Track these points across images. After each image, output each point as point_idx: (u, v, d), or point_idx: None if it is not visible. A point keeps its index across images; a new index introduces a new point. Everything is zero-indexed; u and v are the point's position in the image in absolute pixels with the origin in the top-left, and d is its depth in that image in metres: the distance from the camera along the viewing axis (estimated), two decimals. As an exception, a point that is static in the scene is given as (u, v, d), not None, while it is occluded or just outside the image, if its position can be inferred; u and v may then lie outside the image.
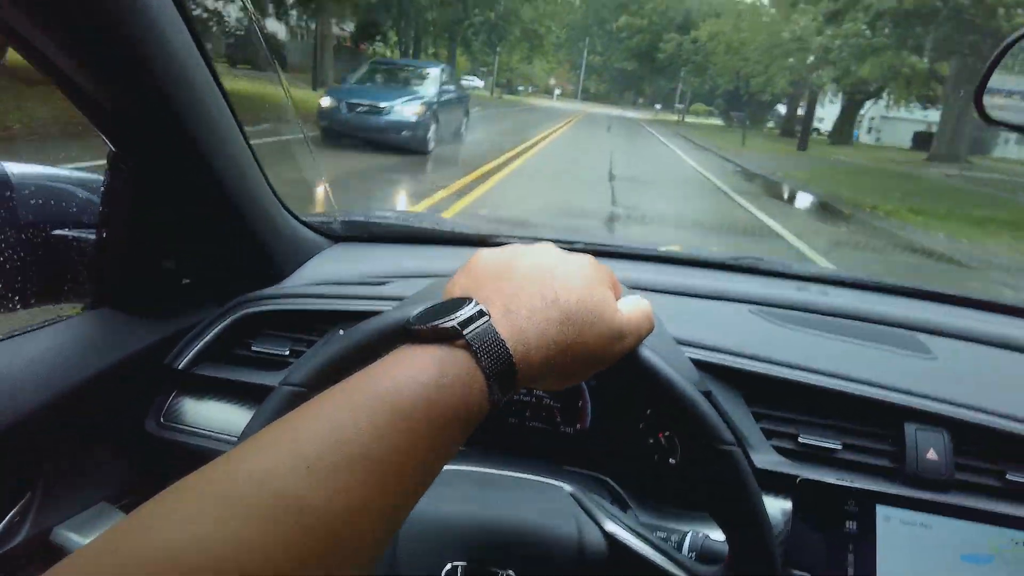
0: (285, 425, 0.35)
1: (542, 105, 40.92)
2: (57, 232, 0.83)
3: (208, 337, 0.84)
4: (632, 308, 0.49)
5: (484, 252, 0.49)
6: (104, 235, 0.79)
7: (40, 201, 0.83)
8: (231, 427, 0.80)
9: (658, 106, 55.68)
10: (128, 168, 0.77)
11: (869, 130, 33.90)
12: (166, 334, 0.83)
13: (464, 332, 0.39)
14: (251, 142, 0.84)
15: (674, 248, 1.16)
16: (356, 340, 0.58)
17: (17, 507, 0.68)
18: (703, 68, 35.27)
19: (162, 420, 0.82)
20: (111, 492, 0.78)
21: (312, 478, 0.31)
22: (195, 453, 0.79)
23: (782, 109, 34.11)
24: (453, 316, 0.40)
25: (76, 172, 0.92)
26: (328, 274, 0.96)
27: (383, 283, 0.88)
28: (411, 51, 26.51)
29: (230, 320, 0.85)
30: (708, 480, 0.53)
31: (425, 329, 0.40)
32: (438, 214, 5.04)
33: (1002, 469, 0.71)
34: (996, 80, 0.70)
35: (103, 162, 0.78)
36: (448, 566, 0.58)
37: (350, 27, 24.43)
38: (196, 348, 0.83)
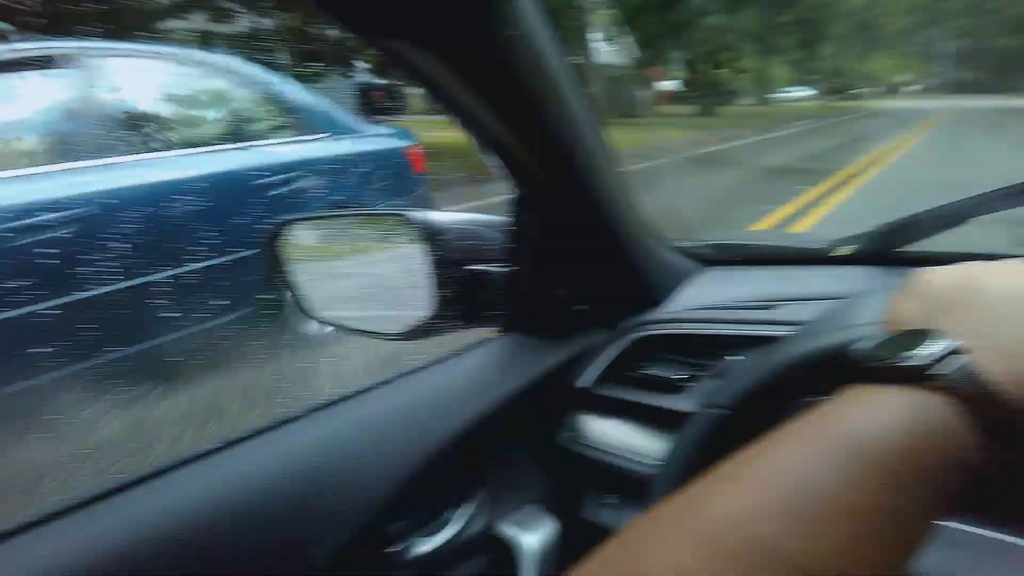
0: (746, 464, 0.34)
1: (886, 108, 33.85)
2: (473, 267, 0.98)
3: (605, 359, 0.89)
4: None
5: (936, 271, 0.42)
6: (514, 268, 0.90)
7: (460, 242, 0.99)
8: (635, 446, 0.84)
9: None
10: (532, 207, 0.86)
11: None
12: (568, 356, 0.90)
13: (935, 371, 0.34)
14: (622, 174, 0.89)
15: None
16: (782, 364, 0.55)
17: (472, 503, 0.80)
18: None
19: (573, 435, 0.89)
20: (537, 496, 0.87)
21: (794, 527, 0.30)
22: (604, 468, 0.85)
23: None
24: (916, 353, 0.35)
25: (481, 216, 1.08)
26: (704, 298, 0.95)
27: (771, 306, 0.84)
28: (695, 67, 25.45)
29: (623, 343, 0.89)
30: None
31: (888, 367, 0.35)
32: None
33: None
34: None
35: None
36: None
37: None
38: (596, 369, 0.88)
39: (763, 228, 5.90)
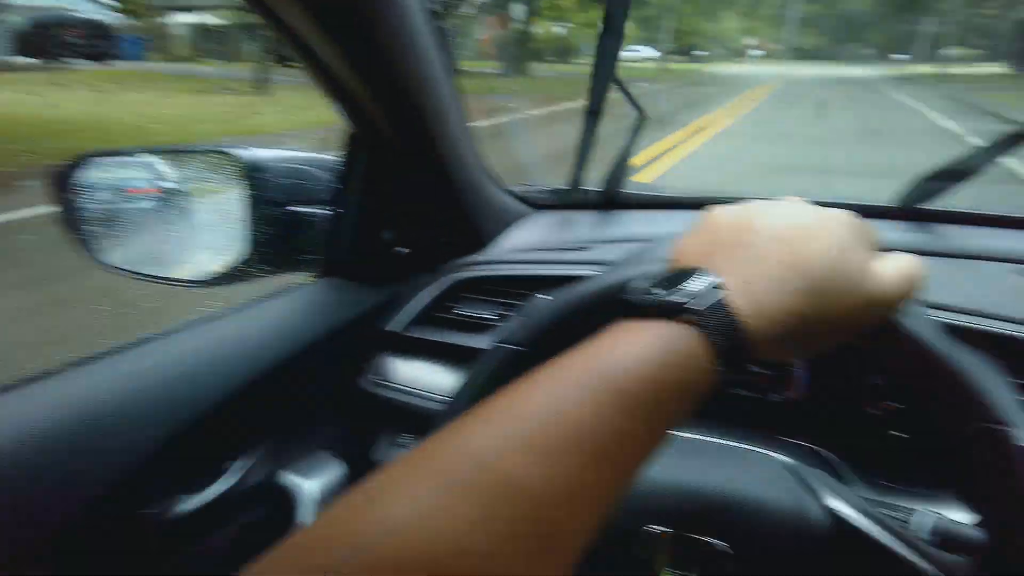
0: (505, 401, 0.35)
1: (722, 73, 32.33)
2: (297, 208, 0.95)
3: (420, 302, 0.89)
4: (896, 271, 0.43)
5: (718, 212, 0.45)
6: (338, 210, 0.88)
7: (285, 180, 0.95)
8: (437, 385, 0.85)
9: (903, 56, 40.59)
10: (364, 148, 0.84)
11: None
12: (384, 300, 0.90)
13: (693, 308, 0.37)
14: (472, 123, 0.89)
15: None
16: (574, 302, 0.58)
17: (252, 452, 0.77)
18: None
19: (376, 379, 0.88)
20: (330, 442, 0.86)
21: (531, 458, 0.31)
22: (403, 409, 0.85)
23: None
24: (681, 289, 0.38)
25: (308, 154, 1.03)
26: (530, 241, 0.98)
27: (585, 248, 0.88)
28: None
29: (439, 286, 0.89)
30: (963, 460, 0.46)
31: (650, 303, 0.38)
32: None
33: None
34: None
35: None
36: (650, 529, 0.57)
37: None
38: (409, 312, 0.88)
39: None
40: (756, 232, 0.41)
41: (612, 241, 0.89)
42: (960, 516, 0.54)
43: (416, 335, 0.89)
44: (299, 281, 0.92)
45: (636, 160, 1.08)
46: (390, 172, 0.87)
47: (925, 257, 0.82)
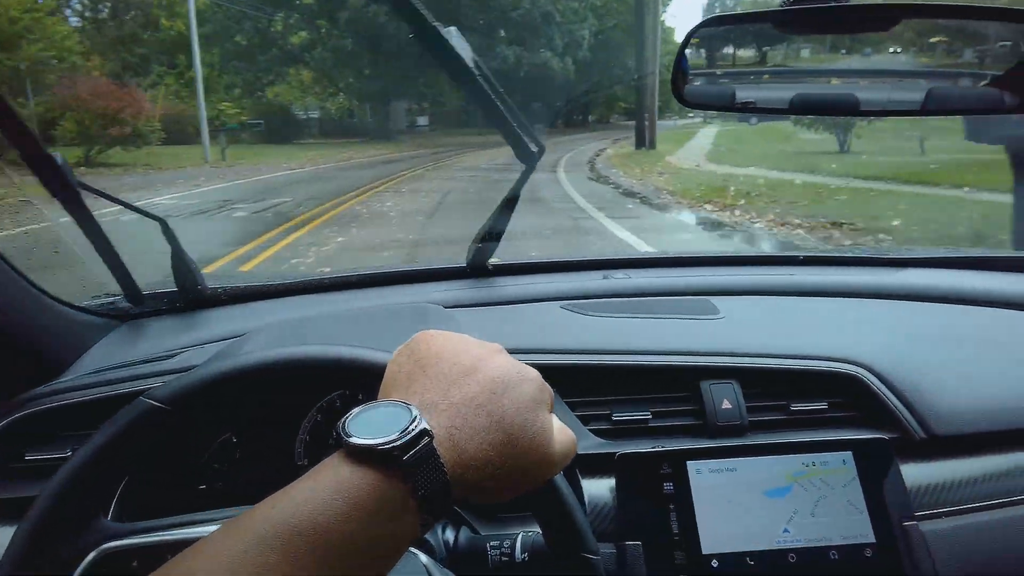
0: (185, 559, 0.32)
1: None
2: None
3: None
4: (564, 438, 0.45)
5: (434, 338, 0.45)
6: None
7: None
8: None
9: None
10: None
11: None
12: None
13: (405, 458, 0.36)
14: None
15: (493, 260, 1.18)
16: (228, 371, 0.56)
17: None
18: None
19: None
20: None
21: None
22: None
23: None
24: (394, 436, 0.36)
25: None
26: (117, 357, 0.88)
27: (170, 356, 0.83)
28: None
29: None
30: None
31: (362, 446, 0.36)
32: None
33: (786, 403, 0.79)
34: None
35: None
36: None
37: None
38: None
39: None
40: (470, 374, 0.42)
41: (200, 344, 0.86)
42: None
43: None
44: None
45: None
46: None
47: (487, 307, 0.99)
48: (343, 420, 0.38)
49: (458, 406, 0.40)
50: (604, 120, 31.86)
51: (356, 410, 0.39)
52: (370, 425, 0.37)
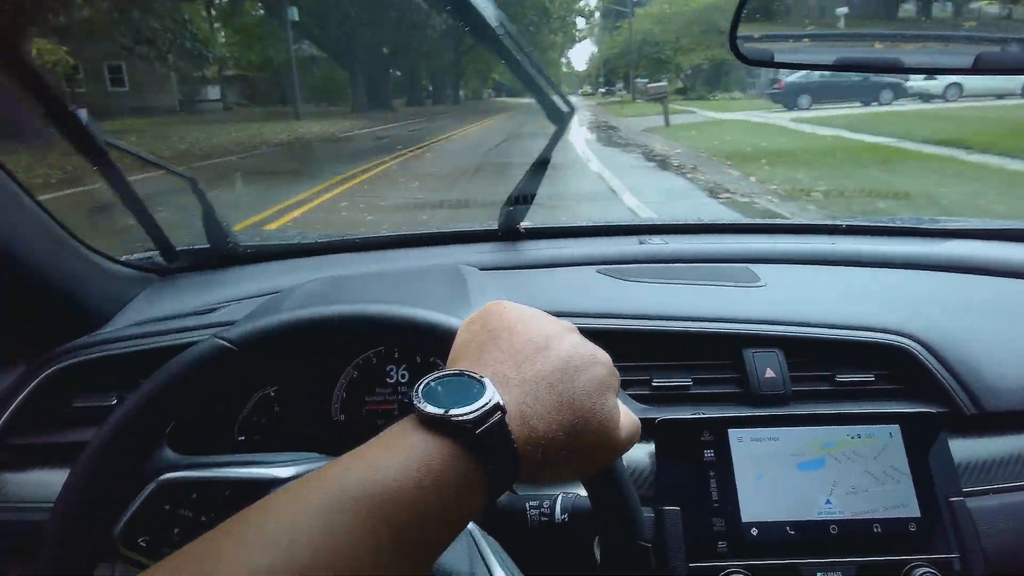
0: (245, 521, 0.31)
1: None
2: None
3: (16, 402, 0.74)
4: (629, 423, 0.44)
5: (508, 310, 0.44)
6: None
7: None
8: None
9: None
10: None
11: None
12: None
13: (478, 431, 0.35)
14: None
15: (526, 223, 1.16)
16: (309, 319, 0.55)
17: None
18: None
19: None
20: None
21: None
22: (25, 529, 0.70)
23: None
24: (467, 408, 0.36)
25: None
26: (157, 311, 0.89)
27: (212, 310, 0.83)
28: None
29: (41, 379, 0.76)
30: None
31: (436, 416, 0.36)
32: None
33: (830, 374, 0.77)
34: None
35: None
36: None
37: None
38: (2, 416, 0.73)
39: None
40: (545, 352, 0.41)
41: (238, 300, 0.86)
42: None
43: (24, 441, 0.74)
44: None
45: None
46: None
47: (521, 271, 0.98)
48: (417, 386, 0.37)
49: (530, 383, 0.39)
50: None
51: (429, 376, 0.38)
52: (443, 394, 0.37)
